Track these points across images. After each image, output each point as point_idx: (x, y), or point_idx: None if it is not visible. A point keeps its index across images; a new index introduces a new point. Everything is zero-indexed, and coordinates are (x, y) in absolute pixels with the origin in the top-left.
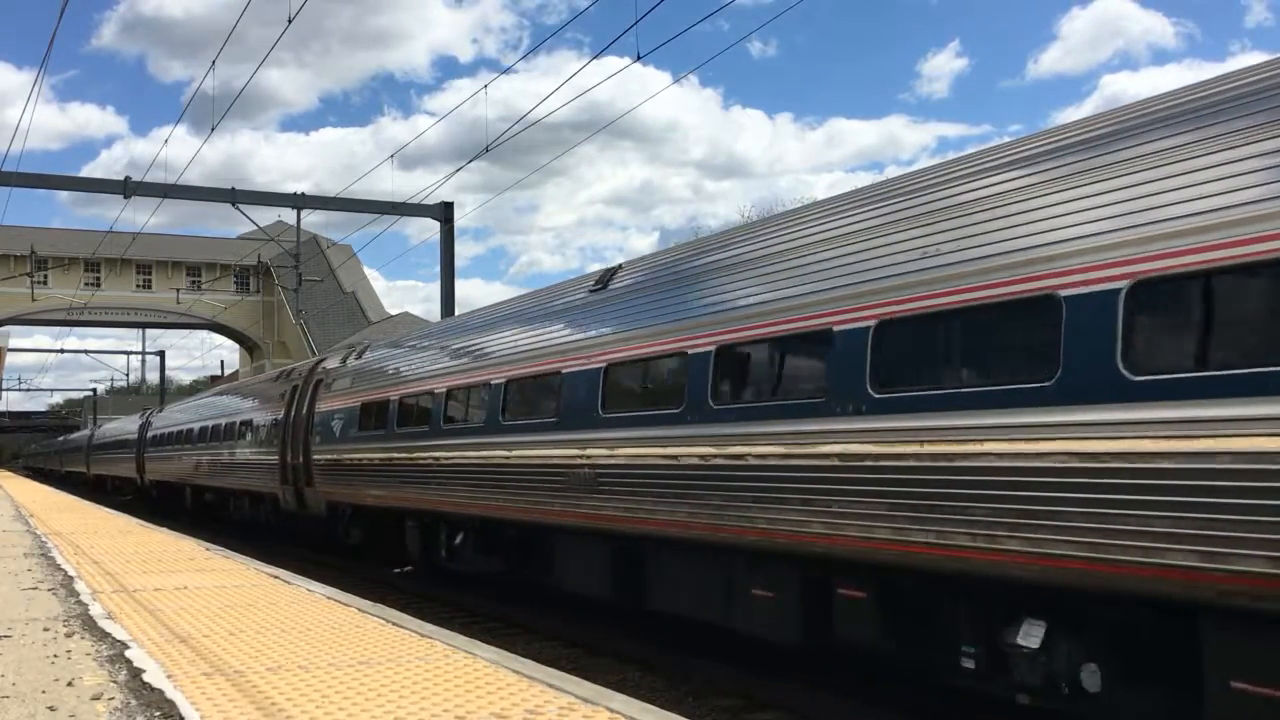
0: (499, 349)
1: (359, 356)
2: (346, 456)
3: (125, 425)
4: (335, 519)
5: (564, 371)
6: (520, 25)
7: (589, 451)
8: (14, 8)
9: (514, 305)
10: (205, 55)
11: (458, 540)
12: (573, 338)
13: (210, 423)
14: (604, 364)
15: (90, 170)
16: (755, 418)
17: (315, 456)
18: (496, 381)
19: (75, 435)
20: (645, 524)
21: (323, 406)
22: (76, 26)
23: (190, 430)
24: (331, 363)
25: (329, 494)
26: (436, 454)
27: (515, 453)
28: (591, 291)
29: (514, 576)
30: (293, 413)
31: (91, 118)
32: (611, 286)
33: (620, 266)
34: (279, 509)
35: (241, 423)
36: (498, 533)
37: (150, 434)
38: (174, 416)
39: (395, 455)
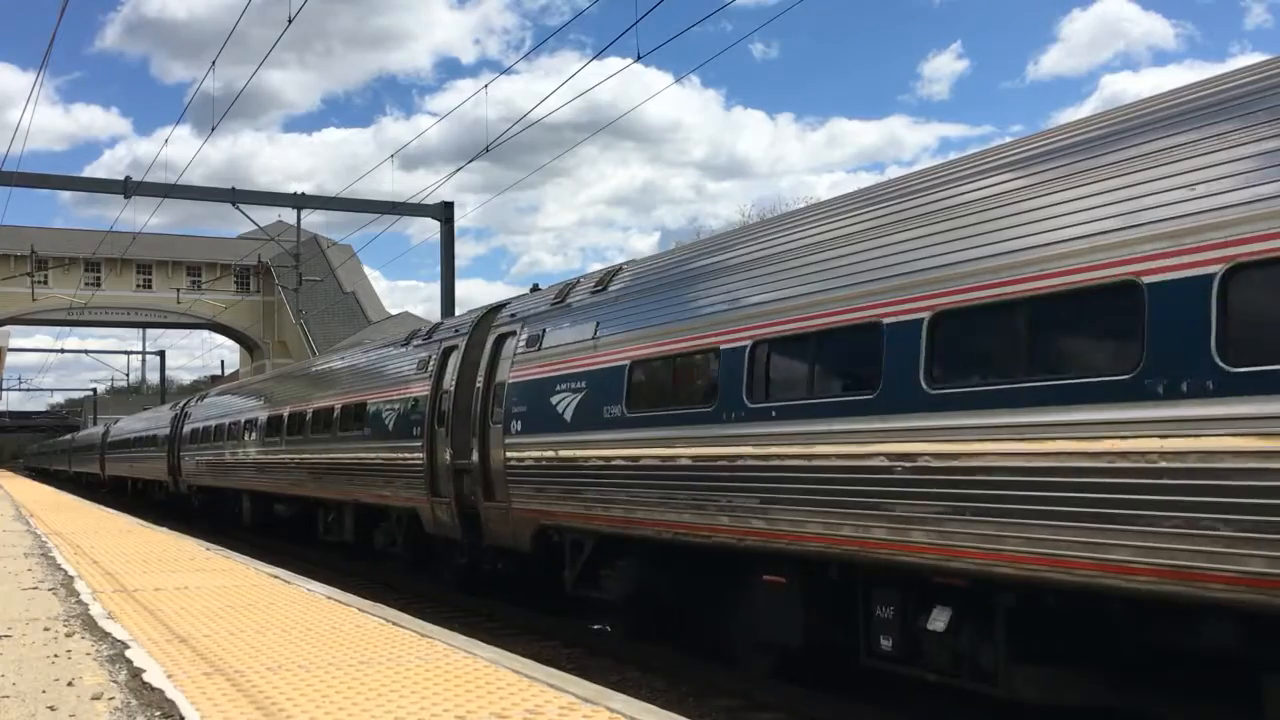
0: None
1: (604, 286)
2: (595, 454)
3: (152, 418)
4: (549, 554)
5: None
6: (522, 26)
7: None
8: (19, 11)
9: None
10: (208, 56)
11: (1000, 637)
12: None
13: (287, 409)
14: None
15: (93, 171)
16: None
17: (511, 454)
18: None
19: (86, 432)
20: None
21: (522, 374)
22: (80, 28)
23: (254, 421)
24: (528, 305)
25: (540, 514)
26: (947, 448)
27: None
28: None
29: None
30: (451, 388)
31: (95, 119)
32: None
33: None
34: (419, 531)
35: (346, 407)
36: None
37: (189, 427)
38: (227, 404)
39: (773, 450)
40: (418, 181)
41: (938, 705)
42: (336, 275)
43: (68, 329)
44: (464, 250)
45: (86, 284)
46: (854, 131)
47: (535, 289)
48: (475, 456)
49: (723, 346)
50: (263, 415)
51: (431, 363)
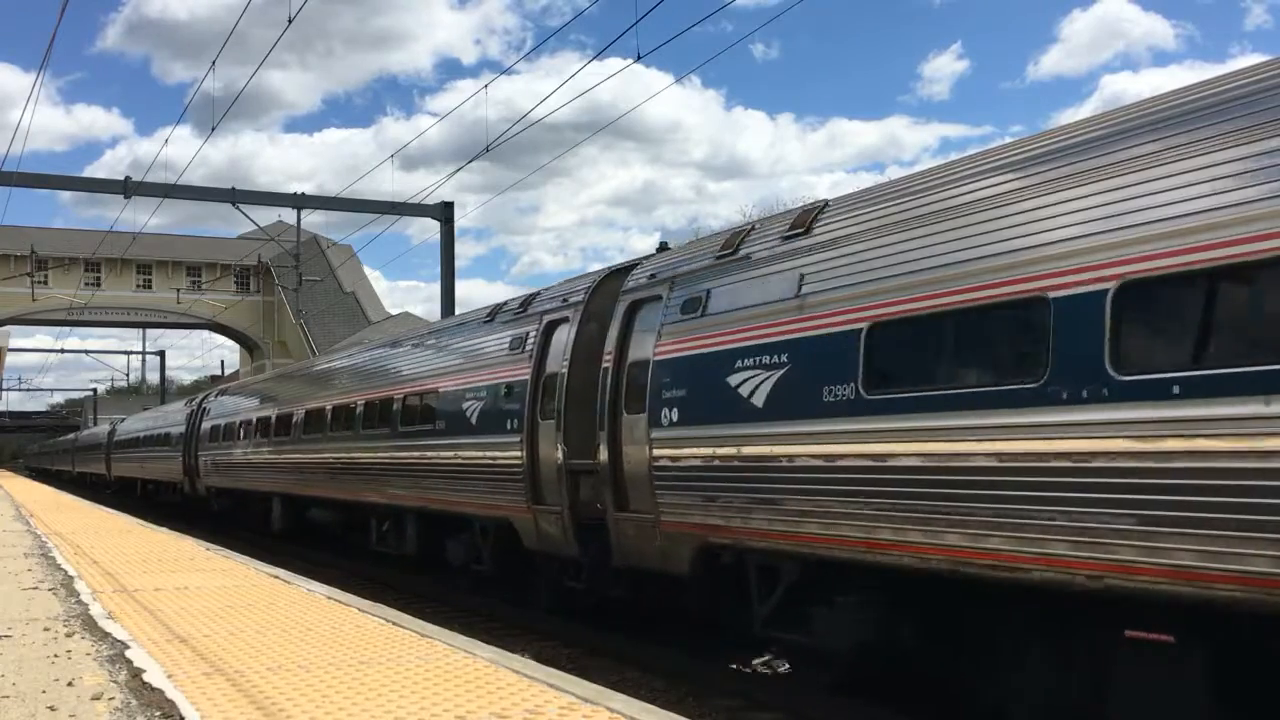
0: None
1: (806, 227)
2: (807, 450)
3: (165, 415)
4: (714, 579)
5: None
6: (523, 27)
7: None
8: (19, 11)
9: None
10: (209, 56)
11: None
12: None
13: (331, 402)
14: None
15: (93, 171)
16: None
17: (661, 451)
18: None
19: (91, 430)
20: None
21: (676, 348)
22: (81, 29)
23: (290, 416)
24: (675, 261)
25: (706, 529)
26: None
27: None
28: None
29: None
30: (563, 369)
31: (96, 119)
32: None
33: None
34: (516, 544)
35: (409, 397)
36: None
37: (209, 425)
38: (254, 399)
39: (1180, 445)
40: (418, 181)
41: (938, 706)
42: (336, 275)
43: (68, 329)
44: (464, 250)
45: (86, 284)
46: (854, 132)
47: (664, 247)
48: (603, 455)
49: (1055, 294)
50: (300, 410)
51: (530, 340)
